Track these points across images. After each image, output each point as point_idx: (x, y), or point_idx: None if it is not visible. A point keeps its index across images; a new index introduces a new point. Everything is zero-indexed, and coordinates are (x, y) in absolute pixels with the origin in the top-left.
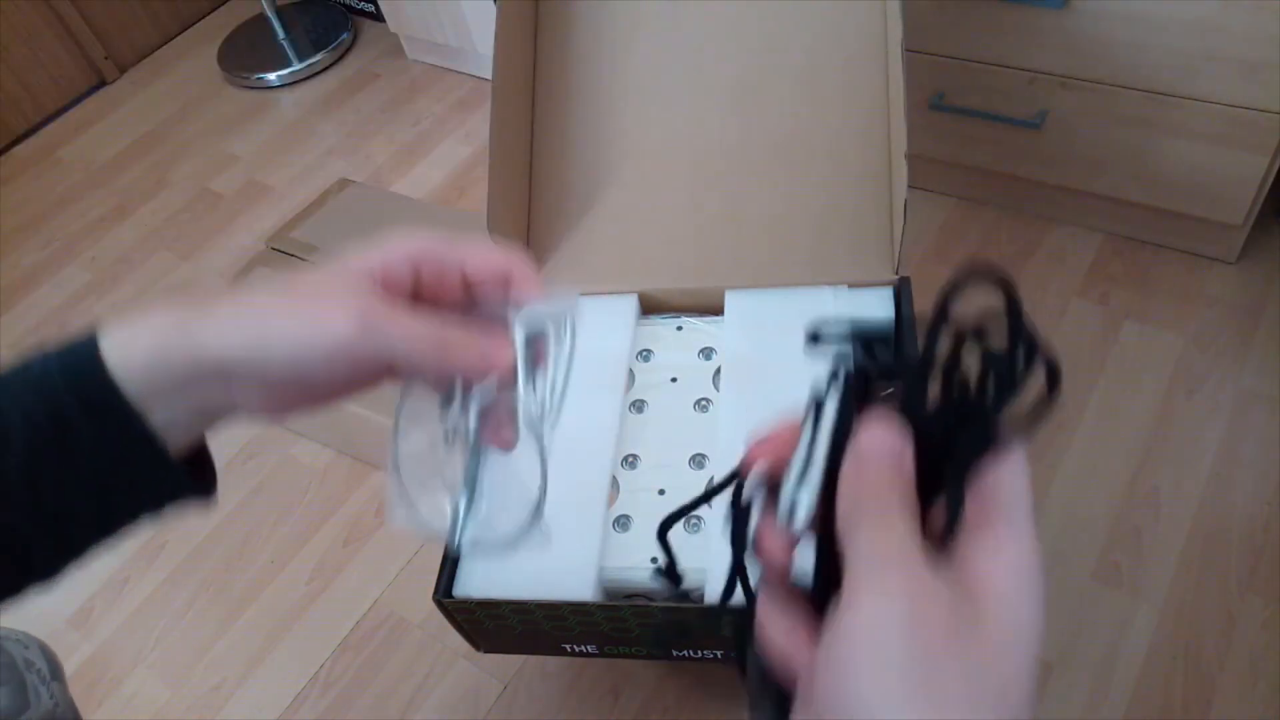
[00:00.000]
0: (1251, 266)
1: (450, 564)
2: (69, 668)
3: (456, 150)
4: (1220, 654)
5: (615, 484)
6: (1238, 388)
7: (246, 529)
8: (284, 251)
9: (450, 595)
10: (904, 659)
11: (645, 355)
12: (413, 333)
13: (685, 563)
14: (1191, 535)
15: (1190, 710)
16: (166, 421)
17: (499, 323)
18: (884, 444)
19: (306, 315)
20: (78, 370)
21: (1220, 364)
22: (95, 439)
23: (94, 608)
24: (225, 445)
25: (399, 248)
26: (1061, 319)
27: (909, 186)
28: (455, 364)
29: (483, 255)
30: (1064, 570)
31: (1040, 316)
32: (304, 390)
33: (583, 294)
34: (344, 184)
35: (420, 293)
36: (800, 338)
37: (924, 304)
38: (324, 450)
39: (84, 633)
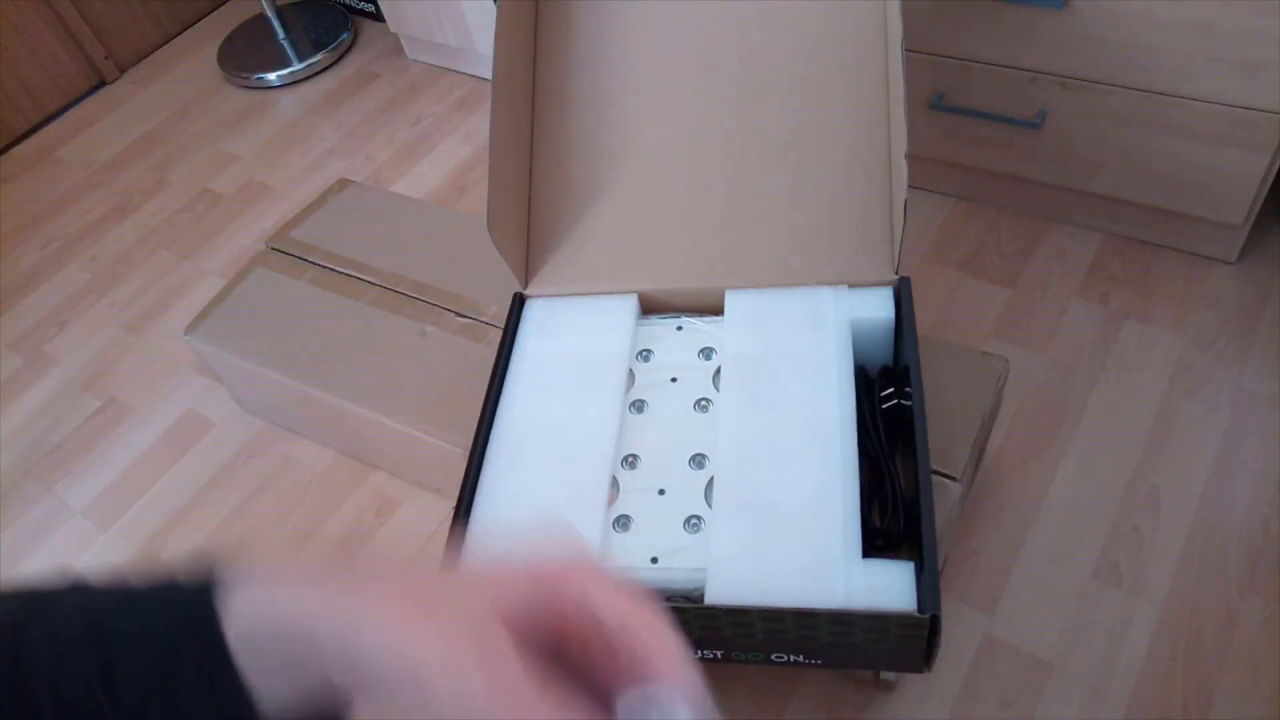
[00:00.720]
0: (1251, 266)
1: (453, 565)
2: None
3: (456, 150)
4: (1220, 654)
5: (615, 484)
6: (1238, 388)
7: (246, 529)
8: (284, 251)
9: None
10: None
11: (645, 355)
12: (518, 694)
13: (685, 563)
14: (1191, 535)
15: (1190, 710)
16: (271, 695)
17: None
18: None
19: (396, 629)
20: (196, 627)
21: (1220, 364)
22: (196, 695)
23: None
24: (225, 445)
25: (523, 583)
26: (1061, 319)
27: (908, 187)
28: None
29: (611, 605)
30: (1064, 570)
31: (1040, 316)
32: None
33: (582, 294)
34: (344, 184)
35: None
36: (800, 337)
37: (924, 304)
38: (324, 450)
39: None
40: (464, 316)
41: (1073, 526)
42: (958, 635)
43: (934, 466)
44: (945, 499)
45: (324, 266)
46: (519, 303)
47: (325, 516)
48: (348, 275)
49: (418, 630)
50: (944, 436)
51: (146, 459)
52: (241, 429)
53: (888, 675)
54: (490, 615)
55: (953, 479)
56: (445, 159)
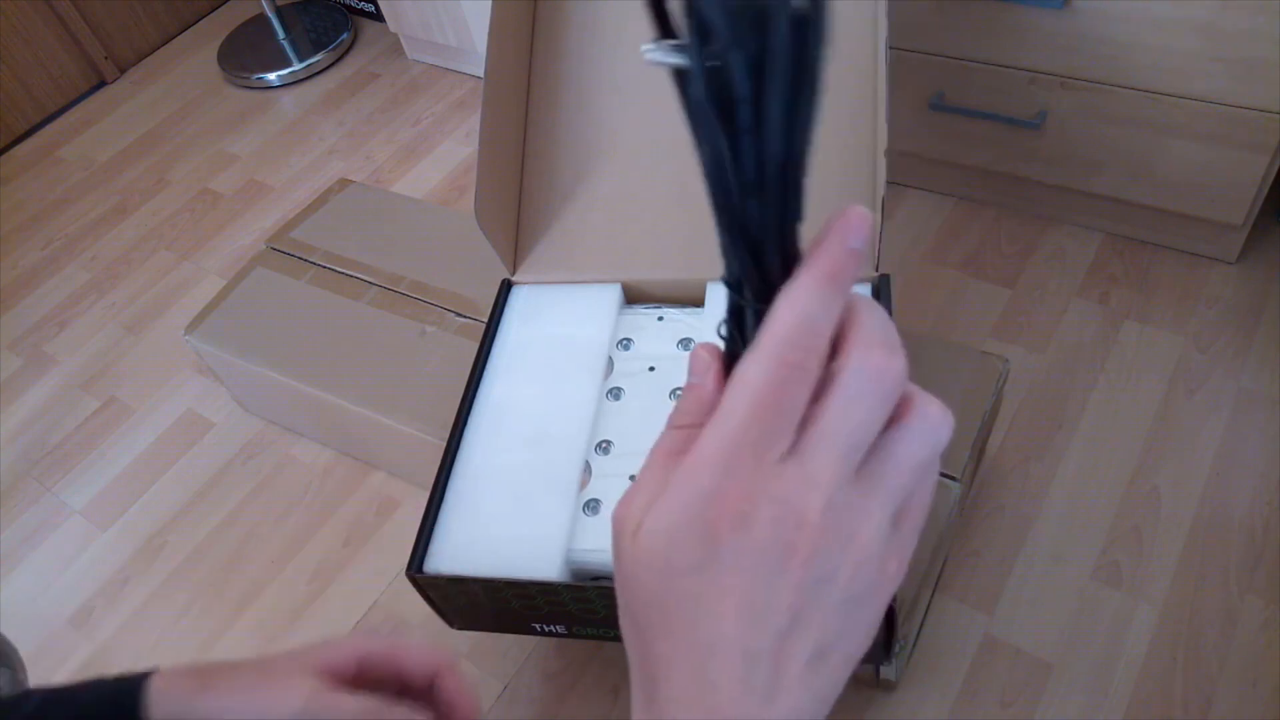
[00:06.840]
0: (1251, 266)
1: (425, 540)
2: (69, 667)
3: (456, 150)
4: (1220, 654)
5: (588, 468)
6: (1238, 388)
7: (246, 529)
8: (283, 251)
9: (422, 570)
10: None
11: (625, 344)
12: (349, 707)
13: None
14: (1191, 535)
15: (1190, 710)
16: None
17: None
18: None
19: (265, 695)
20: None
21: (1220, 364)
22: None
23: (94, 608)
24: (225, 445)
25: (346, 649)
26: (1061, 319)
27: (907, 187)
28: None
29: (415, 658)
30: (1064, 570)
31: (1040, 316)
32: None
33: (568, 282)
34: (344, 184)
35: (363, 682)
36: None
37: (924, 304)
38: (324, 450)
39: (84, 633)
40: (464, 316)
41: (1073, 526)
42: (958, 635)
43: None
44: (945, 499)
45: (324, 266)
46: (506, 289)
47: (325, 516)
48: (348, 275)
49: (279, 697)
50: None
51: (146, 459)
52: (241, 429)
53: (887, 675)
54: (317, 674)
55: (953, 479)
56: (445, 159)
